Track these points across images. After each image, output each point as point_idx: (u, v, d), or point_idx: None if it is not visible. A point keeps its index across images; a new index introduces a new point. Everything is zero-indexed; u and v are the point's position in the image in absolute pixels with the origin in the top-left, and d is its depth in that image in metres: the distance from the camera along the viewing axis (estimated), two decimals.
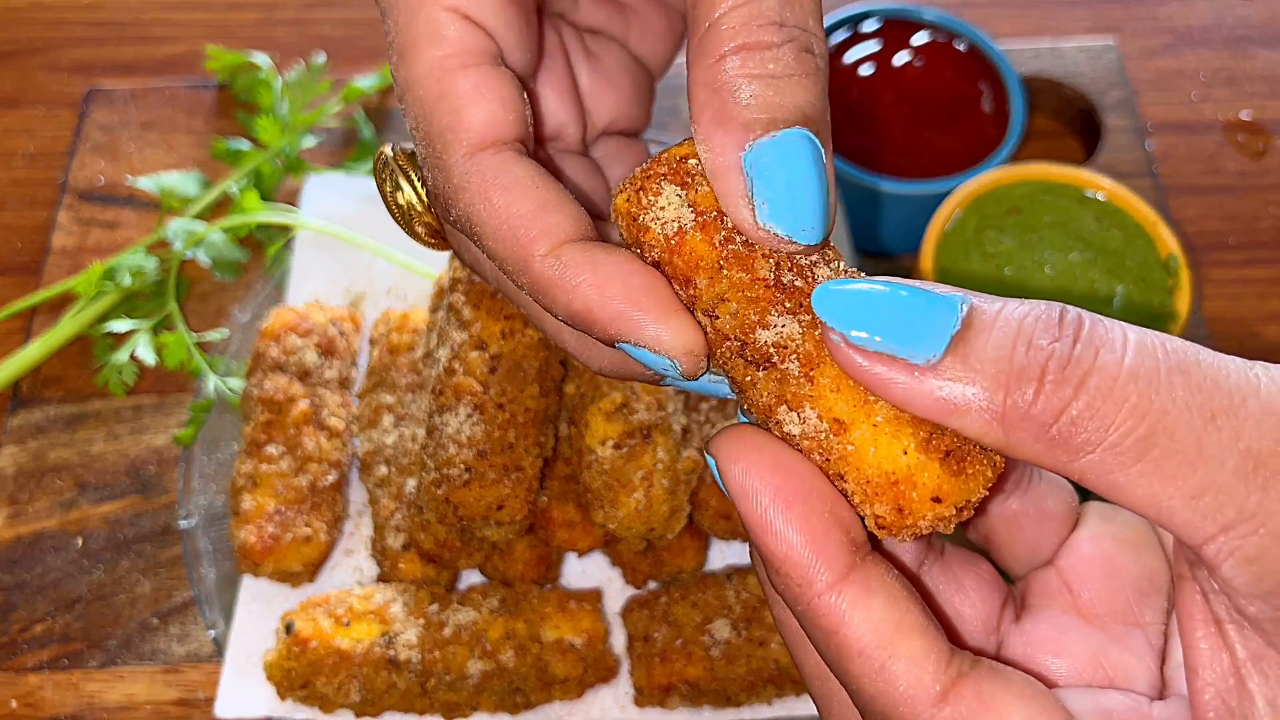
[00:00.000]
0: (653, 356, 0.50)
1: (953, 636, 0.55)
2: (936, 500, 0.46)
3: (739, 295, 0.48)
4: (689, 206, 0.50)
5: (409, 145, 0.63)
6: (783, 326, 0.48)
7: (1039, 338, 0.43)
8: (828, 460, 0.47)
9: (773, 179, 0.48)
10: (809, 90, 0.50)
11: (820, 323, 0.46)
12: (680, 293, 0.50)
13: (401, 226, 0.64)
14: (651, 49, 0.73)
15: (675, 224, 0.50)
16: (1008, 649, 0.56)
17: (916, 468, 0.46)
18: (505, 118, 0.55)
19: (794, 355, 0.47)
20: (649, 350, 0.50)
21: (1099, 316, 0.44)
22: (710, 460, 0.50)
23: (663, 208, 0.50)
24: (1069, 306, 0.44)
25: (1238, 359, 0.44)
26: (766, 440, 0.48)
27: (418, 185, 0.62)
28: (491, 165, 0.54)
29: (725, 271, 0.49)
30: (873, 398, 0.46)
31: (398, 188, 0.62)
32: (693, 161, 0.51)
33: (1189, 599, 0.46)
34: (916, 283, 0.46)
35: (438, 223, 0.63)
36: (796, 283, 0.48)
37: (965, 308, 0.44)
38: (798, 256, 0.49)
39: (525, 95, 0.58)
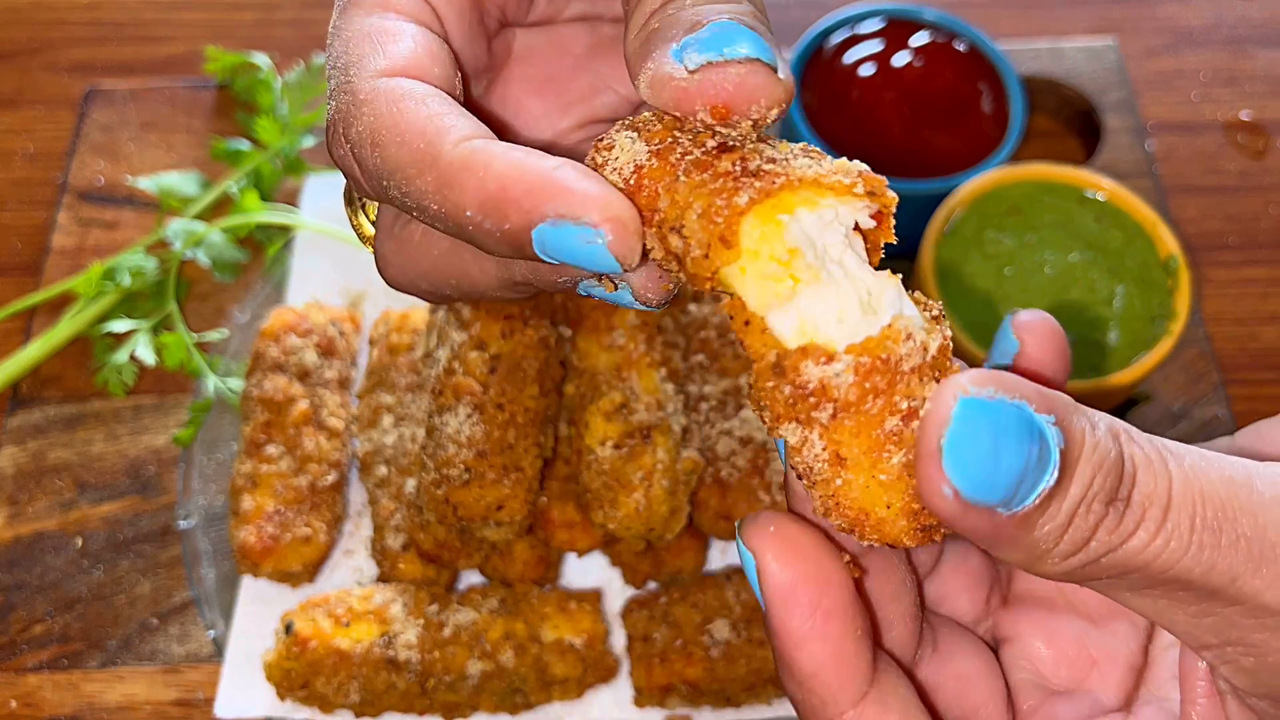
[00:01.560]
0: (575, 234, 0.46)
1: (954, 705, 0.56)
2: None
3: (703, 192, 0.47)
4: (643, 143, 0.50)
5: None
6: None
7: (1098, 504, 0.44)
8: (809, 475, 0.47)
9: (701, 40, 0.48)
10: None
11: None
12: (650, 229, 0.49)
13: (361, 240, 0.64)
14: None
15: (631, 163, 0.49)
16: (1000, 631, 0.59)
17: (890, 521, 0.46)
18: (429, 65, 0.54)
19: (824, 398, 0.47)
20: (571, 221, 0.46)
21: (1148, 459, 0.45)
22: (744, 551, 0.48)
23: (618, 154, 0.50)
24: (1125, 453, 0.45)
25: (1246, 473, 0.45)
26: (808, 540, 0.48)
27: (369, 210, 0.62)
28: (404, 84, 0.52)
29: (684, 179, 0.48)
30: (887, 453, 0.46)
31: (355, 213, 0.63)
32: (646, 113, 0.51)
33: (1191, 658, 0.49)
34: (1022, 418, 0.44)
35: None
36: (765, 168, 0.48)
37: (1054, 474, 0.43)
38: (748, 145, 0.48)
39: (458, 71, 0.57)
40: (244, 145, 1.30)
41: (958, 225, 1.12)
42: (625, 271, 0.48)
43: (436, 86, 0.53)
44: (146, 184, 1.27)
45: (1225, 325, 1.23)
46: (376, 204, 0.62)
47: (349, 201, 0.63)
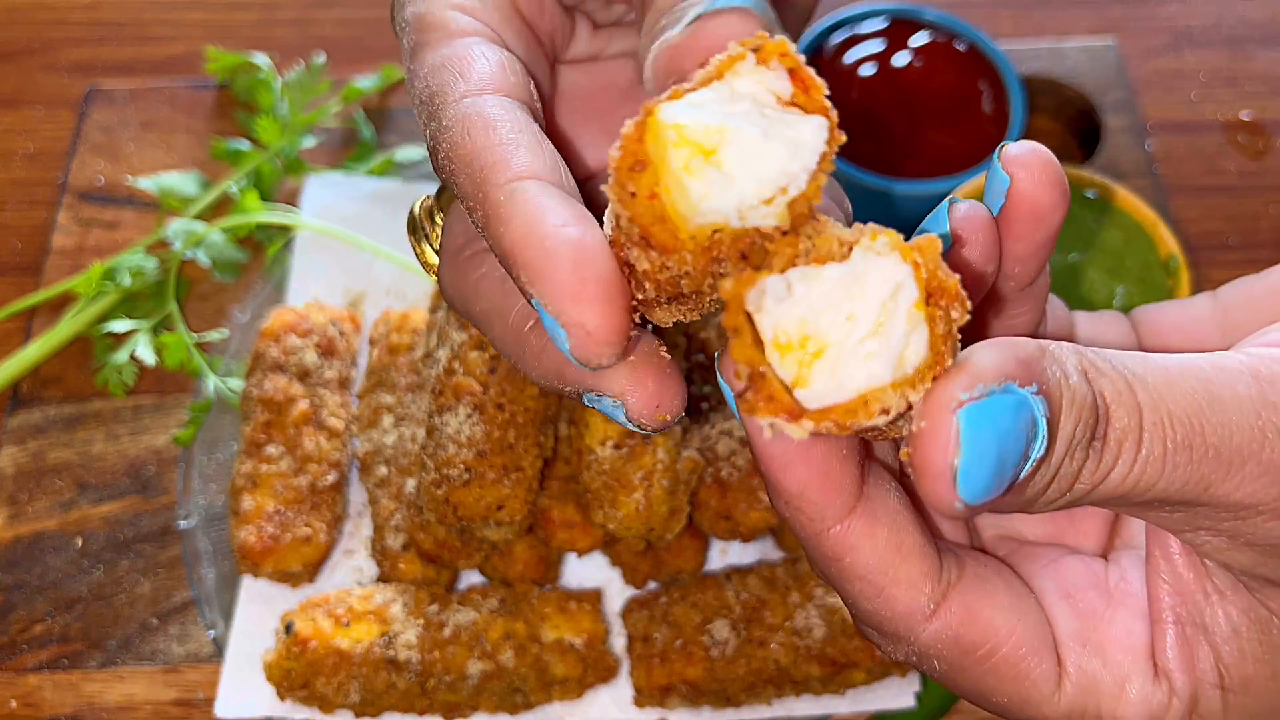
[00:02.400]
0: (549, 322, 0.47)
1: (938, 527, 0.57)
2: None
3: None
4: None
5: (426, 201, 0.66)
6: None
7: (1079, 451, 0.45)
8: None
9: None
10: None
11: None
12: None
13: (423, 268, 0.67)
14: None
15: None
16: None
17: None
18: (506, 77, 0.55)
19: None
20: (547, 310, 0.47)
21: (1118, 392, 0.45)
22: (725, 389, 0.48)
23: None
24: (1096, 391, 0.45)
25: (1205, 381, 0.46)
26: None
27: (431, 239, 0.65)
28: (483, 104, 0.53)
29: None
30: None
31: (419, 241, 0.65)
32: None
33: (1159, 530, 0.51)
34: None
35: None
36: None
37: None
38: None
39: (525, 71, 0.58)
40: (244, 145, 1.30)
41: None
42: (591, 369, 0.48)
43: (516, 99, 0.55)
44: (146, 184, 1.27)
45: None
46: (439, 232, 0.64)
47: (412, 230, 0.66)
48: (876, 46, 1.24)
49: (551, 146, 0.53)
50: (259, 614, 1.01)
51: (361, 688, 0.93)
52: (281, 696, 0.95)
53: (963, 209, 0.51)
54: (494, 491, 0.90)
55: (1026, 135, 1.29)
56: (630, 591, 1.03)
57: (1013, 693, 0.51)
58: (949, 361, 0.44)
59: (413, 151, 1.30)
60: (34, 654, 1.04)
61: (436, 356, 0.96)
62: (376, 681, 0.93)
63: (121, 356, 1.16)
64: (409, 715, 0.96)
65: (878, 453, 0.55)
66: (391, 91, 1.39)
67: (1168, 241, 1.09)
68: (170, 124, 1.38)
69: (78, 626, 1.05)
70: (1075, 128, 1.37)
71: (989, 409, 0.42)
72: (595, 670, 0.96)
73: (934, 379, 0.44)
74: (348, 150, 1.34)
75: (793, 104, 0.46)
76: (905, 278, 0.44)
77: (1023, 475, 0.43)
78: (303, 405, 1.05)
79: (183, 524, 1.07)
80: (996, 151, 0.52)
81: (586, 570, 1.05)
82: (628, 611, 0.99)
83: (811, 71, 0.46)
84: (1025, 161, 0.51)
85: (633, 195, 0.45)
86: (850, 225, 0.50)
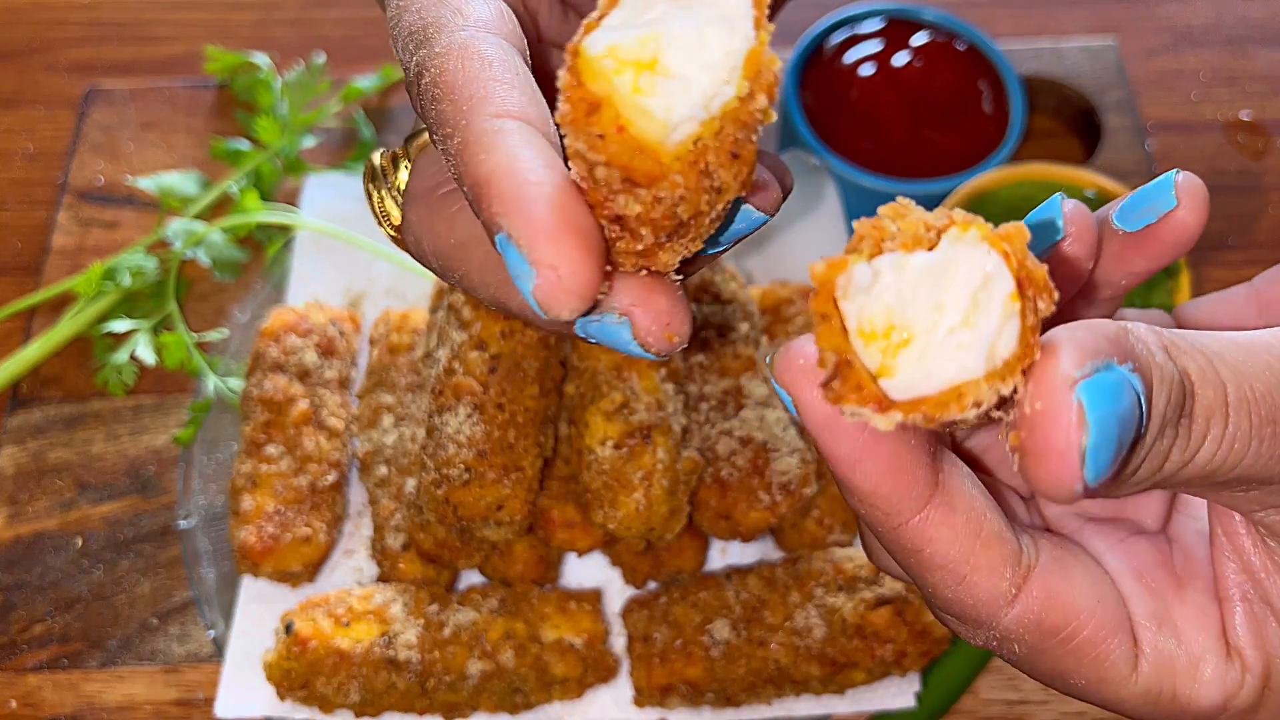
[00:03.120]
0: (516, 259, 0.46)
1: (1009, 509, 0.57)
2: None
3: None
4: None
5: (389, 151, 0.64)
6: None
7: (1169, 429, 0.45)
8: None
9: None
10: None
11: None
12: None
13: (378, 221, 0.64)
14: None
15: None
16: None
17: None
18: (504, 24, 0.54)
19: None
20: (517, 248, 0.45)
21: (1201, 369, 0.45)
22: (780, 390, 0.47)
23: None
24: (1180, 368, 0.45)
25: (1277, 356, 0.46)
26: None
27: (392, 189, 0.62)
28: (482, 39, 0.52)
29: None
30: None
31: (379, 188, 0.63)
32: None
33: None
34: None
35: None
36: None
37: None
38: None
39: (520, 27, 0.57)
40: (244, 145, 1.30)
41: None
42: (548, 318, 0.47)
43: (509, 40, 0.53)
44: (146, 184, 1.27)
45: None
46: (401, 182, 0.62)
47: (371, 178, 0.63)
48: (876, 46, 1.24)
49: (543, 98, 0.51)
50: (259, 614, 1.01)
51: (361, 688, 0.93)
52: (281, 696, 0.95)
53: (1070, 206, 0.52)
54: (494, 491, 0.90)
55: (1027, 135, 1.29)
56: (630, 591, 1.03)
57: (1091, 674, 0.51)
58: (1036, 354, 0.43)
59: None
60: (34, 654, 1.04)
61: (436, 356, 0.96)
62: (376, 681, 0.93)
63: (121, 356, 1.16)
64: (409, 715, 0.96)
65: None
66: (391, 91, 1.39)
67: None
68: (170, 124, 1.38)
69: (78, 626, 1.05)
70: (1075, 127, 1.37)
71: (1104, 385, 0.41)
72: (595, 670, 0.96)
73: (1023, 371, 0.42)
74: (348, 150, 1.34)
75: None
76: (997, 267, 0.43)
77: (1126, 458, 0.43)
78: (303, 405, 1.05)
79: (183, 524, 1.07)
80: (1173, 174, 0.53)
81: (586, 570, 1.05)
82: (628, 611, 0.99)
83: None
84: (1194, 193, 0.52)
85: (601, 138, 0.44)
86: (786, 196, 0.50)
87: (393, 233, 0.63)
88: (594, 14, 0.45)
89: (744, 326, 1.04)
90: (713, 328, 1.05)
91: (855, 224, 0.45)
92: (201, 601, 1.04)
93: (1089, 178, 1.13)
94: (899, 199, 0.45)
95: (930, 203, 1.13)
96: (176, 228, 1.22)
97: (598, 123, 0.44)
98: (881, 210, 0.45)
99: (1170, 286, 1.08)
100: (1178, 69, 1.41)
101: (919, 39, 1.25)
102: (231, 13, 1.48)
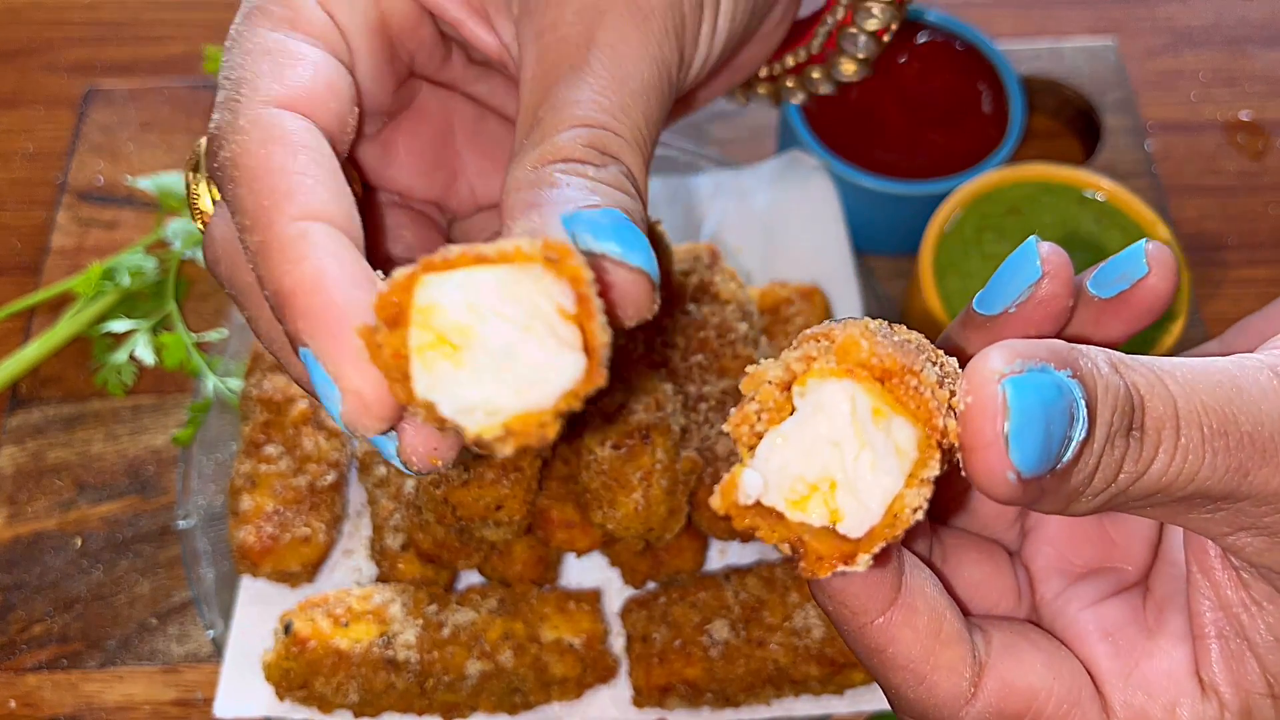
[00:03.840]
0: (321, 378, 0.46)
1: (968, 607, 0.59)
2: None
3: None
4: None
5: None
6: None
7: (1119, 439, 0.46)
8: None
9: (597, 224, 0.48)
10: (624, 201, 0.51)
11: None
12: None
13: (190, 211, 0.63)
14: None
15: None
16: (1024, 524, 0.62)
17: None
18: (325, 99, 0.53)
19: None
20: (323, 368, 0.46)
21: (1149, 383, 0.46)
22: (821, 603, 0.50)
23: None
24: (1128, 383, 0.46)
25: (1228, 374, 0.47)
26: None
27: (211, 187, 0.61)
28: (286, 122, 0.51)
29: None
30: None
31: (198, 181, 0.61)
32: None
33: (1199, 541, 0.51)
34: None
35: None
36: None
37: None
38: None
39: (355, 106, 0.56)
40: None
41: (957, 225, 1.12)
42: (352, 434, 0.47)
43: (324, 127, 0.52)
44: (146, 184, 1.27)
45: (1225, 325, 1.22)
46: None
47: (194, 168, 0.62)
48: None
49: (349, 191, 0.51)
50: (258, 614, 1.01)
51: (360, 688, 0.93)
52: (280, 696, 0.95)
53: (1046, 248, 0.53)
54: (493, 491, 0.89)
55: (1026, 135, 1.29)
56: (629, 591, 1.03)
57: None
58: (940, 418, 0.45)
59: None
60: (33, 654, 1.04)
61: None
62: (375, 681, 0.93)
63: (121, 356, 1.16)
64: (408, 715, 0.96)
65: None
66: None
67: (1167, 242, 1.09)
68: (170, 124, 1.38)
69: (77, 626, 1.05)
70: (1075, 127, 1.37)
71: (1031, 380, 0.43)
72: (594, 670, 0.96)
73: (939, 445, 0.45)
74: None
75: (574, 320, 0.45)
76: (853, 392, 0.45)
77: (1067, 458, 0.44)
78: (302, 405, 1.05)
79: (182, 524, 1.07)
80: (1143, 243, 0.55)
81: (586, 570, 1.05)
82: (627, 611, 0.99)
83: (598, 304, 0.44)
84: (1164, 261, 0.54)
85: (379, 346, 0.44)
86: (648, 229, 0.51)
87: (200, 228, 0.61)
88: (478, 249, 0.44)
89: (743, 326, 1.04)
90: (711, 328, 1.05)
91: (725, 427, 0.48)
92: (200, 601, 1.04)
93: (1088, 178, 1.13)
94: (748, 369, 0.48)
95: (931, 202, 1.13)
96: (176, 228, 1.22)
97: (386, 335, 0.44)
98: (742, 386, 0.48)
99: None
100: (1177, 69, 1.41)
101: (919, 39, 1.25)
102: (232, 13, 1.46)
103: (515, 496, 0.90)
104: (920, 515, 0.45)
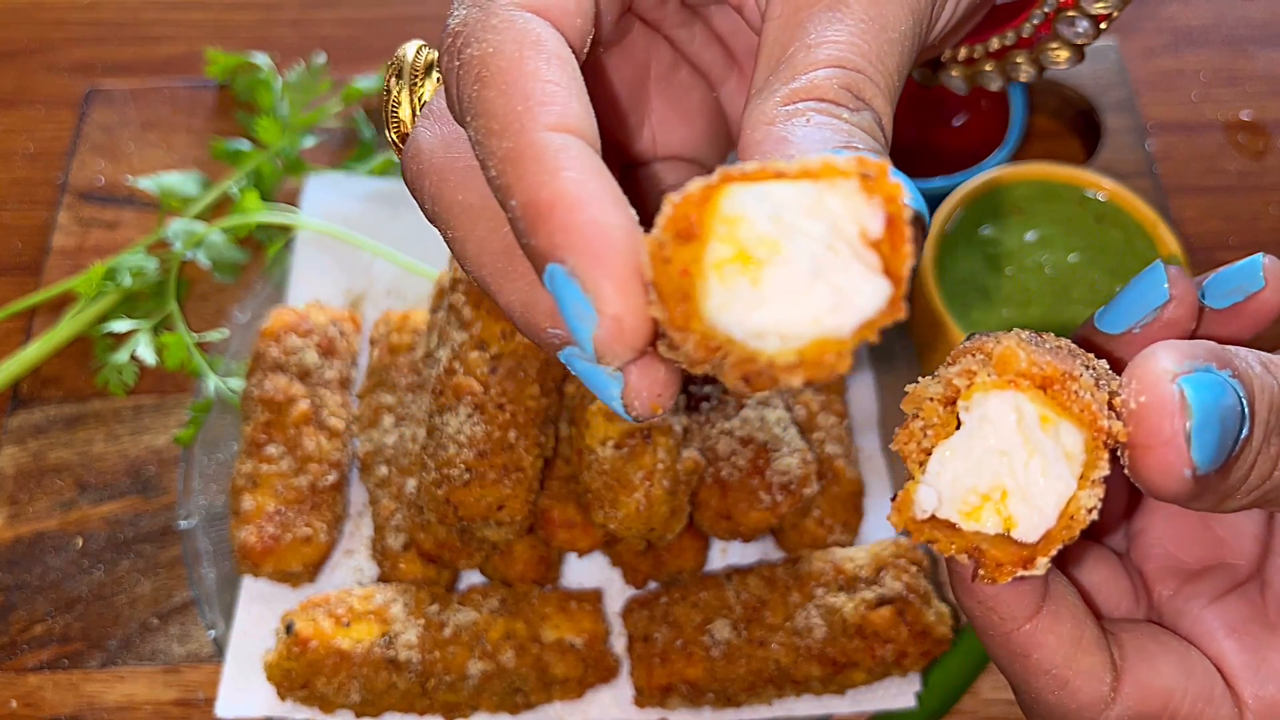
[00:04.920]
0: (575, 298, 0.43)
1: (1107, 611, 0.60)
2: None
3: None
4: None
5: (428, 53, 0.60)
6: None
7: (1275, 437, 0.48)
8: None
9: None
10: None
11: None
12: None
13: (384, 119, 0.60)
14: (742, 108, 0.68)
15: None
16: (1131, 527, 0.63)
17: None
18: (572, 9, 0.50)
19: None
20: (580, 288, 0.43)
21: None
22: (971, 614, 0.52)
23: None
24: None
25: None
26: None
27: (415, 93, 0.58)
28: (540, 29, 0.48)
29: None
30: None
31: (403, 89, 0.59)
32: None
33: None
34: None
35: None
36: None
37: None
38: None
39: (593, 8, 0.52)
40: (244, 145, 1.30)
41: (958, 225, 1.12)
42: (599, 364, 0.44)
43: (569, 39, 0.49)
44: (147, 184, 1.27)
45: None
46: (428, 93, 0.58)
47: (398, 74, 0.59)
48: None
49: (592, 108, 0.48)
50: (259, 614, 1.01)
51: (362, 688, 0.93)
52: (282, 696, 0.95)
53: (1174, 272, 0.55)
54: (494, 491, 0.89)
55: (1027, 135, 1.29)
56: (630, 591, 1.03)
57: None
58: (1104, 419, 0.45)
59: None
60: (34, 654, 1.04)
61: (437, 356, 0.96)
62: (377, 681, 0.93)
63: (122, 356, 1.16)
64: (409, 715, 0.96)
65: None
66: None
67: (1168, 241, 1.09)
68: (170, 124, 1.38)
69: (78, 626, 1.05)
70: (1076, 127, 1.37)
71: (1204, 380, 0.44)
72: (596, 670, 0.96)
73: (1105, 446, 0.46)
74: (348, 150, 1.34)
75: (874, 248, 0.41)
76: (1019, 403, 0.47)
77: (1231, 456, 0.45)
78: (303, 405, 1.05)
79: (183, 524, 1.07)
80: (1260, 257, 0.56)
81: (587, 570, 1.05)
82: (628, 611, 0.99)
83: (910, 231, 0.41)
84: (1279, 277, 0.55)
85: (667, 261, 0.42)
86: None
87: (395, 139, 0.59)
88: (777, 165, 0.41)
89: None
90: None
91: (893, 446, 0.49)
92: (202, 601, 1.04)
93: (1089, 178, 1.13)
94: (907, 388, 0.49)
95: (931, 202, 1.13)
96: (177, 228, 1.21)
97: (677, 249, 0.41)
98: (904, 405, 0.49)
99: None
100: (1178, 69, 1.41)
101: None
102: (232, 13, 1.48)
103: (517, 496, 0.90)
104: (1095, 515, 0.46)
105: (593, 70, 0.61)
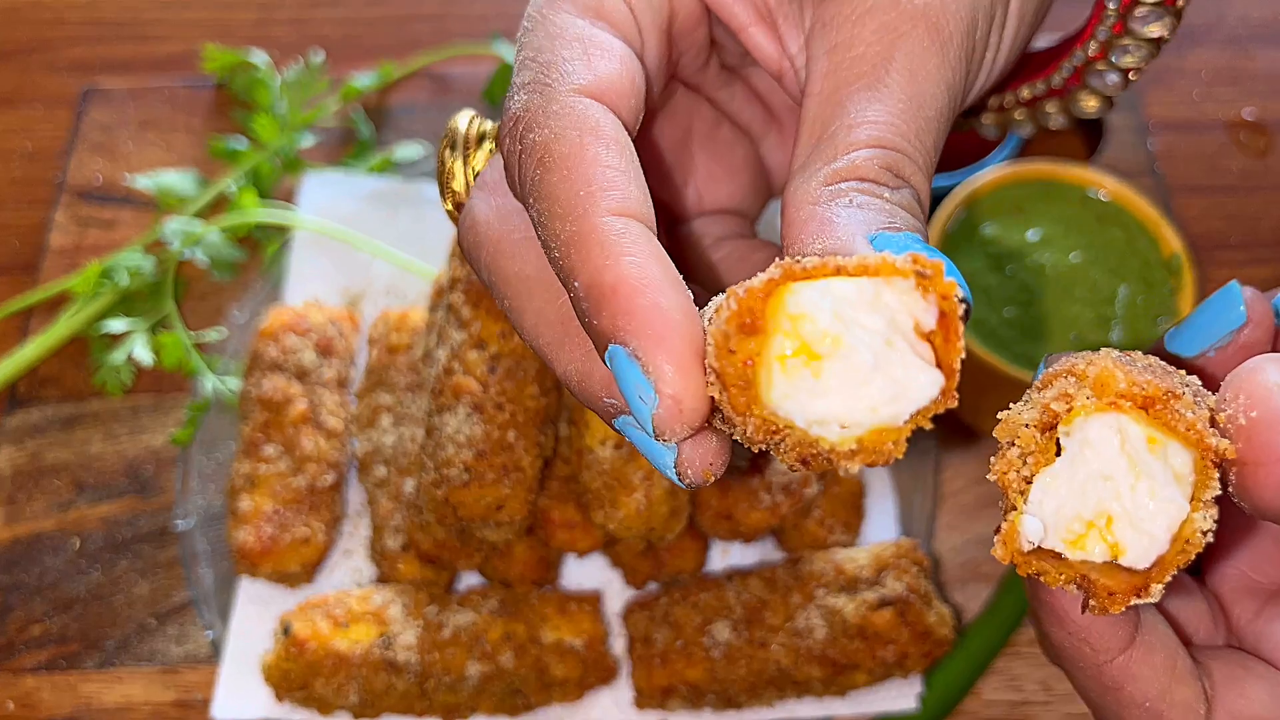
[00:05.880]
0: (636, 379, 0.45)
1: (1185, 638, 0.59)
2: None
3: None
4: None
5: (479, 124, 0.61)
6: None
7: None
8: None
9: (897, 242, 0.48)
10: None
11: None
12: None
13: (440, 189, 0.62)
14: (783, 161, 0.71)
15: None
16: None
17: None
18: (627, 95, 0.52)
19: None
20: (641, 369, 0.45)
21: None
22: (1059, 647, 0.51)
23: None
24: None
25: None
26: None
27: (469, 163, 0.60)
28: (599, 116, 0.50)
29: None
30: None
31: (455, 159, 0.60)
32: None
33: None
34: None
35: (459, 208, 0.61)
36: None
37: None
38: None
39: (644, 86, 0.55)
40: (242, 144, 1.30)
41: (960, 224, 1.11)
42: (656, 439, 0.46)
43: (626, 121, 0.52)
44: (144, 183, 1.27)
45: None
46: (484, 158, 0.60)
47: (451, 145, 0.61)
48: None
49: (649, 191, 0.50)
50: (257, 615, 1.01)
51: (360, 689, 0.92)
52: (279, 698, 0.94)
53: (1249, 294, 0.54)
54: (494, 492, 0.89)
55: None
56: (630, 592, 1.02)
57: None
58: (1211, 437, 0.45)
59: (411, 150, 1.30)
60: (32, 655, 1.03)
61: (436, 356, 0.96)
62: (375, 683, 0.92)
63: (119, 356, 1.15)
64: (408, 717, 0.96)
65: None
66: (390, 90, 1.39)
67: (1170, 240, 1.09)
68: (168, 123, 1.37)
69: (75, 627, 1.05)
70: (1078, 126, 1.37)
71: None
72: (595, 672, 0.95)
73: (1214, 465, 0.45)
74: (346, 148, 1.33)
75: (927, 339, 0.44)
76: (1122, 425, 0.46)
77: None
78: (301, 405, 1.05)
79: (181, 524, 1.07)
80: (1234, 288, 0.55)
81: (586, 571, 1.04)
82: (628, 613, 0.98)
83: (961, 326, 0.44)
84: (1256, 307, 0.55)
85: (731, 352, 0.44)
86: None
87: (450, 208, 0.61)
88: (837, 261, 0.44)
89: None
90: None
91: (990, 476, 0.48)
92: (199, 602, 1.03)
93: (1092, 176, 1.13)
94: (1000, 415, 0.48)
95: (932, 201, 1.12)
96: (174, 227, 1.21)
97: (741, 341, 0.44)
98: (997, 432, 0.48)
99: (1172, 285, 1.07)
100: (1180, 68, 1.40)
101: None
102: (230, 11, 1.47)
103: (516, 497, 0.90)
104: (1210, 538, 0.45)
105: (641, 137, 0.63)
